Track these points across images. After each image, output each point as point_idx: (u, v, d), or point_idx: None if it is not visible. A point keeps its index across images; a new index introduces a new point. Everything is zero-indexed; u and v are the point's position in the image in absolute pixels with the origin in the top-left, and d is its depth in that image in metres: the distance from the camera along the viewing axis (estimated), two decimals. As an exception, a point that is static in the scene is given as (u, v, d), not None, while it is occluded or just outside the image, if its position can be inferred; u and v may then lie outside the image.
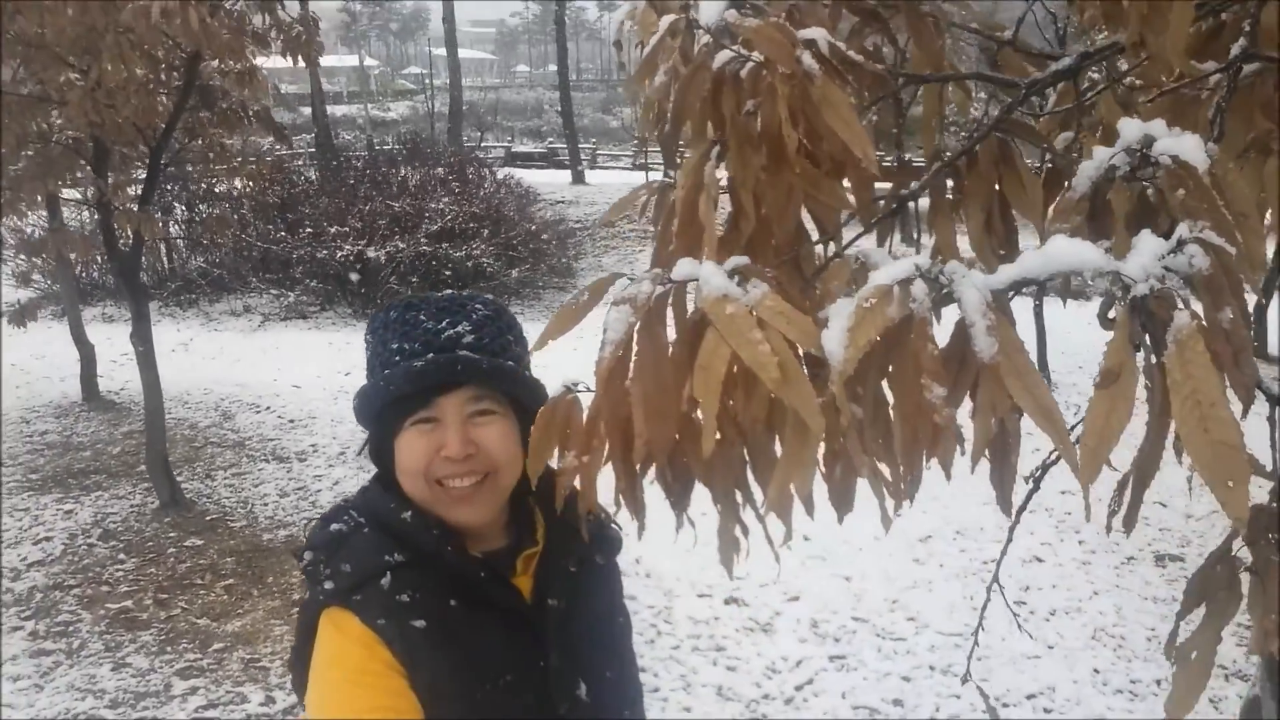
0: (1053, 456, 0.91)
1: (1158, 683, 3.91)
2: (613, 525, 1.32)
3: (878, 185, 1.15)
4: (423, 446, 1.13)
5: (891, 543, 5.27)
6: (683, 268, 0.86)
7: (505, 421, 1.16)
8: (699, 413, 0.90)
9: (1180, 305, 0.61)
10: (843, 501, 1.06)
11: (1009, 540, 1.15)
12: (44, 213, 6.75)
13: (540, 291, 12.76)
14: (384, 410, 1.15)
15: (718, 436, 1.04)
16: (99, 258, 10.81)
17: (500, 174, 14.71)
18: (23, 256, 6.14)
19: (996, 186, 1.23)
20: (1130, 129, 0.82)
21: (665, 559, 5.09)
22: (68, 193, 5.69)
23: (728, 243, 1.08)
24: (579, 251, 14.23)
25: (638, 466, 1.05)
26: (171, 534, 5.69)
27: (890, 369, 0.76)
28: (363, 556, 1.12)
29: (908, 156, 1.29)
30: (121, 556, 5.41)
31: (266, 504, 6.17)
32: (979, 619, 1.54)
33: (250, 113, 4.97)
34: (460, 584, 1.13)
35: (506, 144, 30.69)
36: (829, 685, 3.94)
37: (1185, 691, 0.71)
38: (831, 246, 1.06)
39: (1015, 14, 1.47)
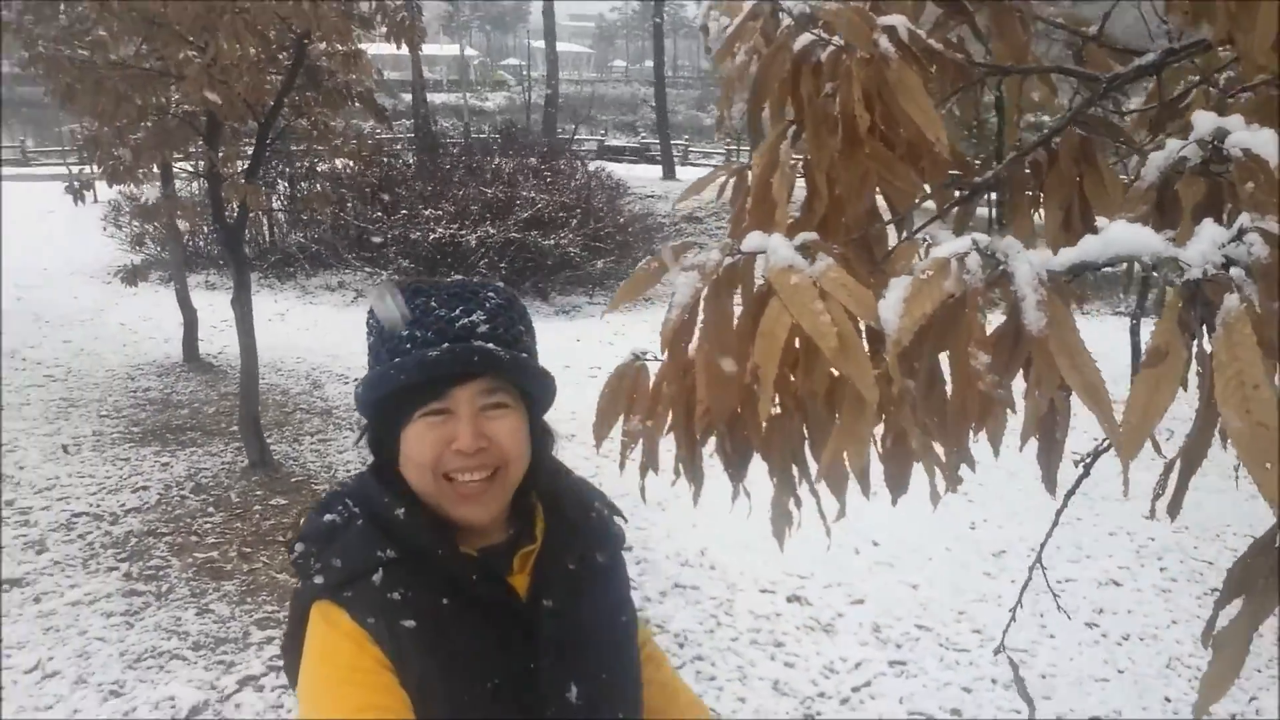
0: (1105, 443, 0.92)
1: (1232, 717, 3.78)
2: (617, 520, 1.29)
3: (955, 173, 1.17)
4: (433, 439, 1.09)
5: (964, 554, 5.20)
6: (752, 240, 0.90)
7: (517, 415, 1.13)
8: (759, 385, 0.94)
9: (1233, 290, 0.62)
10: (898, 483, 1.08)
11: (1055, 524, 1.16)
12: (158, 182, 7.11)
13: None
14: (391, 399, 1.10)
15: (777, 409, 1.08)
16: (205, 227, 11.33)
17: (591, 166, 14.87)
18: (136, 222, 6.47)
19: (1078, 182, 1.24)
20: (1204, 121, 0.83)
21: (730, 552, 5.11)
22: (179, 164, 5.98)
23: (801, 223, 1.11)
24: (665, 246, 14.28)
25: (698, 435, 1.09)
26: (258, 492, 5.95)
27: (946, 343, 0.78)
28: (354, 552, 1.08)
29: (992, 148, 1.30)
30: (211, 510, 5.68)
31: (349, 470, 6.38)
32: (1018, 597, 1.53)
33: (354, 94, 5.16)
34: (452, 582, 1.09)
35: (600, 137, 30.97)
36: (886, 689, 3.91)
37: (1218, 679, 0.72)
38: (904, 230, 1.08)
39: (1106, 10, 1.45)
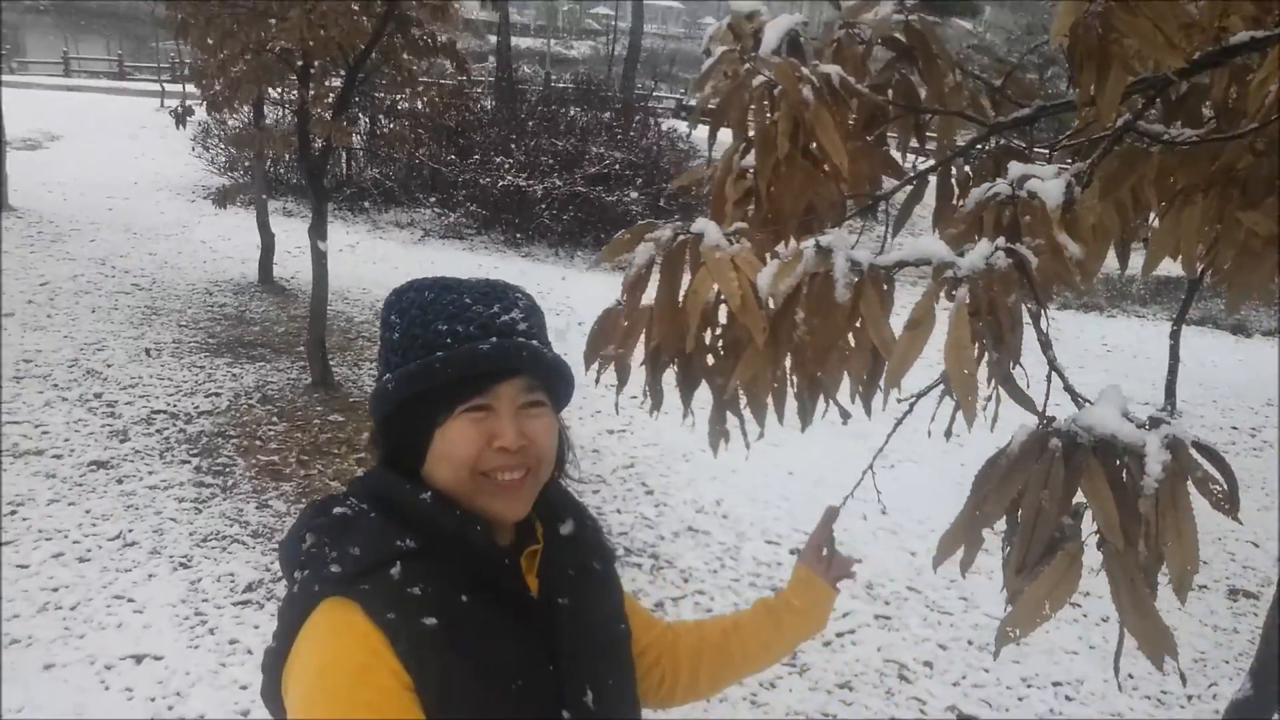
0: (926, 389, 1.26)
1: (1189, 698, 4.07)
2: (605, 534, 1.30)
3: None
4: (474, 435, 1.05)
5: (962, 530, 5.50)
6: (698, 225, 1.26)
7: (550, 415, 1.12)
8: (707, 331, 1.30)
9: (971, 288, 0.96)
10: (805, 414, 1.44)
11: (884, 444, 1.48)
12: (251, 112, 7.59)
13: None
14: (430, 395, 1.06)
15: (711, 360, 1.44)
16: (287, 157, 11.88)
17: (665, 126, 15.09)
18: (226, 147, 6.95)
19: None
20: (1015, 169, 1.15)
21: (744, 505, 5.49)
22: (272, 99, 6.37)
23: (751, 218, 1.47)
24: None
25: (656, 365, 1.46)
26: (318, 408, 6.47)
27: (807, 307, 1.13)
28: (373, 540, 1.02)
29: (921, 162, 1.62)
30: (275, 419, 6.22)
31: (402, 397, 6.88)
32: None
33: (439, 44, 5.53)
34: (474, 577, 1.05)
35: (680, 95, 30.96)
36: (867, 638, 4.28)
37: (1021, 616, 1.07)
38: (828, 229, 1.43)
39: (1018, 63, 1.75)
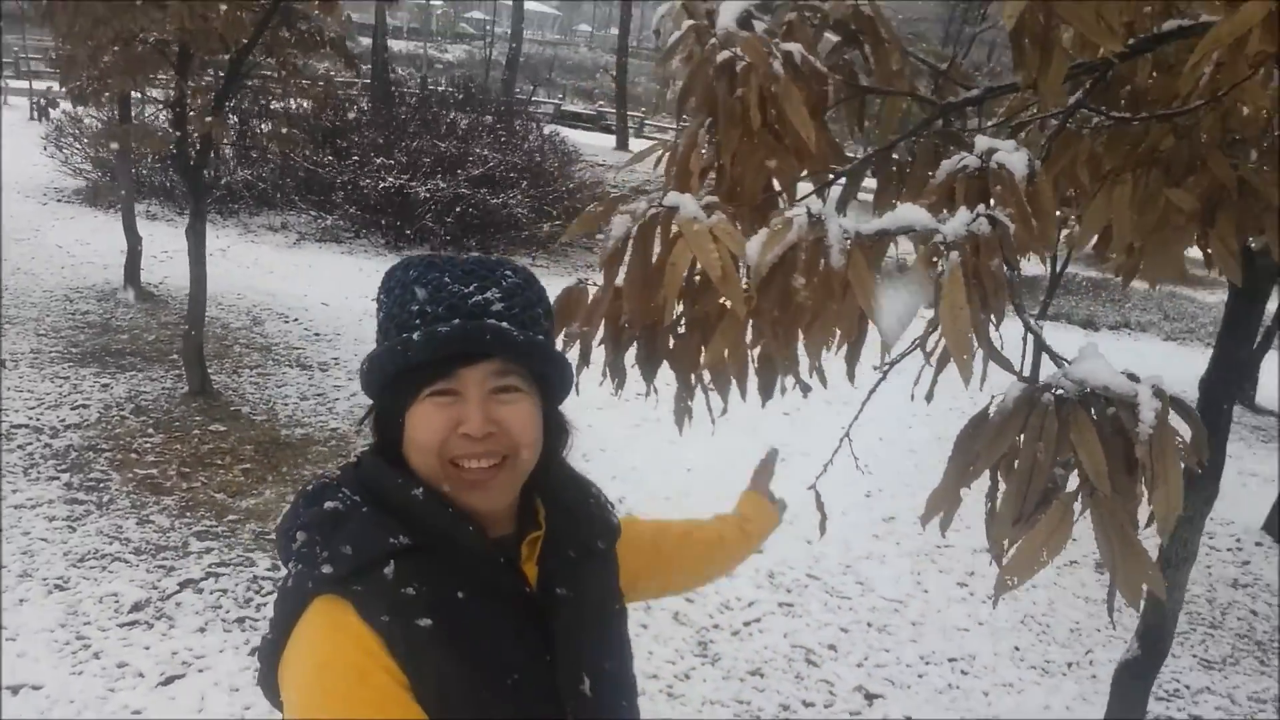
0: (899, 357, 1.30)
1: (1069, 665, 4.32)
2: (612, 510, 1.27)
3: (836, 166, 1.54)
4: (439, 421, 1.02)
5: (858, 518, 5.69)
6: (671, 198, 1.25)
7: (529, 401, 1.07)
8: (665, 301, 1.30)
9: (957, 249, 1.00)
10: (767, 387, 1.46)
11: (862, 407, 1.52)
12: (117, 107, 7.15)
13: (568, 249, 13.15)
14: (398, 378, 1.04)
15: (682, 330, 1.44)
16: (151, 157, 11.25)
17: (546, 130, 15.05)
18: (89, 145, 6.53)
19: (929, 176, 1.62)
20: (982, 142, 1.21)
21: (645, 503, 5.52)
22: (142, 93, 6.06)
23: (712, 192, 1.48)
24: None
25: (622, 342, 1.45)
26: (197, 418, 6.15)
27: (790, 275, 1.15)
28: (365, 538, 0.99)
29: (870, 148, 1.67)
30: (150, 431, 5.87)
31: (287, 404, 6.61)
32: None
33: (326, 39, 5.35)
34: (468, 572, 1.03)
35: (558, 100, 30.97)
36: (773, 626, 4.37)
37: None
38: (789, 202, 1.45)
39: (983, 37, 1.84)
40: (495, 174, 12.12)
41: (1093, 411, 0.94)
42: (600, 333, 1.43)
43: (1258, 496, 6.80)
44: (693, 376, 1.45)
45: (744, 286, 1.20)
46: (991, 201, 1.09)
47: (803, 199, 1.43)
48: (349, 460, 1.12)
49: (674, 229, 1.22)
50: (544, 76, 28.84)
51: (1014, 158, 1.16)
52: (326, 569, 0.97)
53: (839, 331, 1.16)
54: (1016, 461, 1.01)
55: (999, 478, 1.08)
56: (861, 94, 1.54)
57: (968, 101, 1.54)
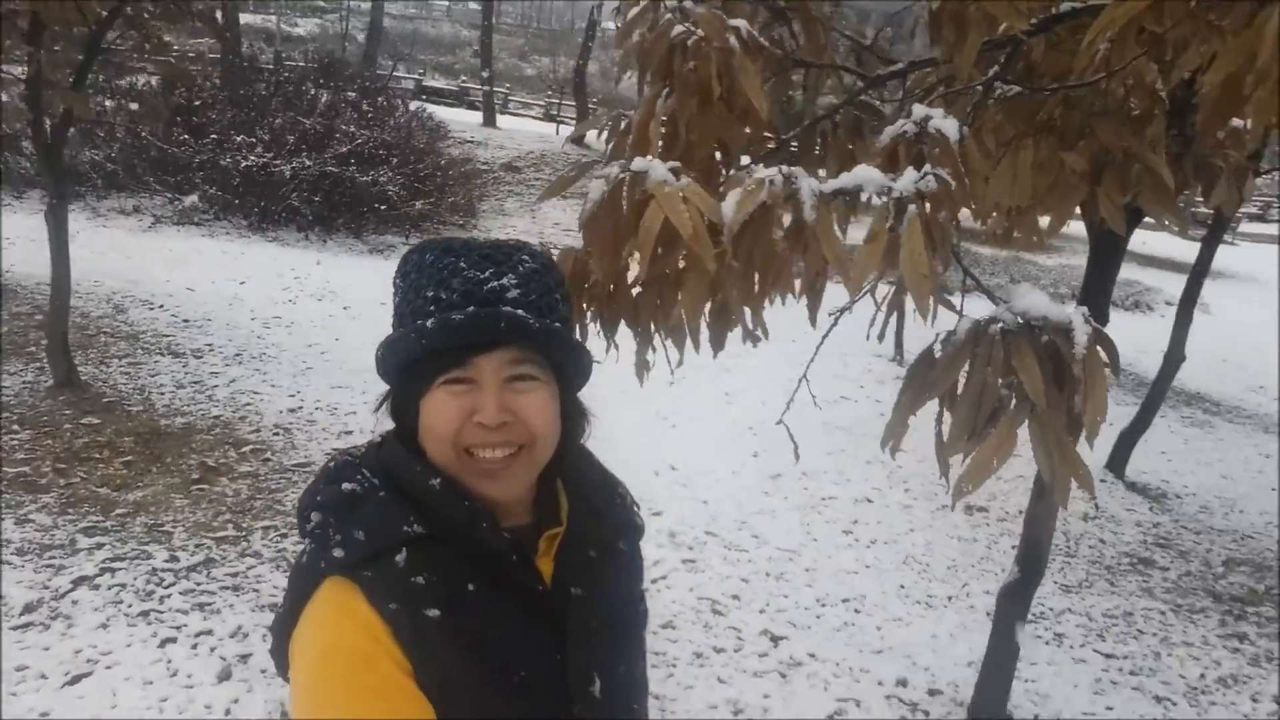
0: (849, 304, 1.45)
1: (949, 599, 4.70)
2: (637, 510, 1.25)
3: (768, 135, 1.67)
4: (454, 409, 1.01)
5: (747, 477, 5.96)
6: (639, 163, 1.36)
7: (546, 390, 1.05)
8: (634, 265, 1.40)
9: (914, 207, 1.15)
10: (718, 340, 1.58)
11: (816, 350, 1.67)
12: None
13: (440, 228, 12.95)
14: (413, 365, 1.03)
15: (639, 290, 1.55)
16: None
17: (413, 105, 14.75)
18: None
19: (850, 148, 1.78)
20: (919, 110, 1.36)
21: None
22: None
23: (664, 157, 1.58)
24: (483, 193, 14.44)
25: (585, 303, 1.55)
26: (67, 411, 5.83)
27: (760, 233, 1.27)
28: (379, 524, 0.99)
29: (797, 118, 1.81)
30: (16, 427, 5.54)
31: (163, 393, 6.35)
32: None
33: (194, 10, 5.12)
34: (481, 565, 1.01)
35: (418, 76, 30.21)
36: (679, 581, 4.56)
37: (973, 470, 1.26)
38: (732, 168, 1.57)
39: (881, 28, 2.00)
40: (363, 151, 11.82)
41: (1034, 338, 1.11)
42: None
43: (1100, 439, 7.47)
44: (652, 331, 1.56)
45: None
46: (929, 165, 1.24)
47: (744, 166, 1.56)
48: (373, 439, 1.11)
49: (642, 191, 1.33)
50: (403, 52, 28.05)
51: (947, 124, 1.32)
52: (338, 552, 0.97)
53: (798, 283, 1.29)
54: (961, 388, 1.17)
55: (944, 408, 1.24)
56: (795, 67, 1.69)
57: (893, 74, 1.70)
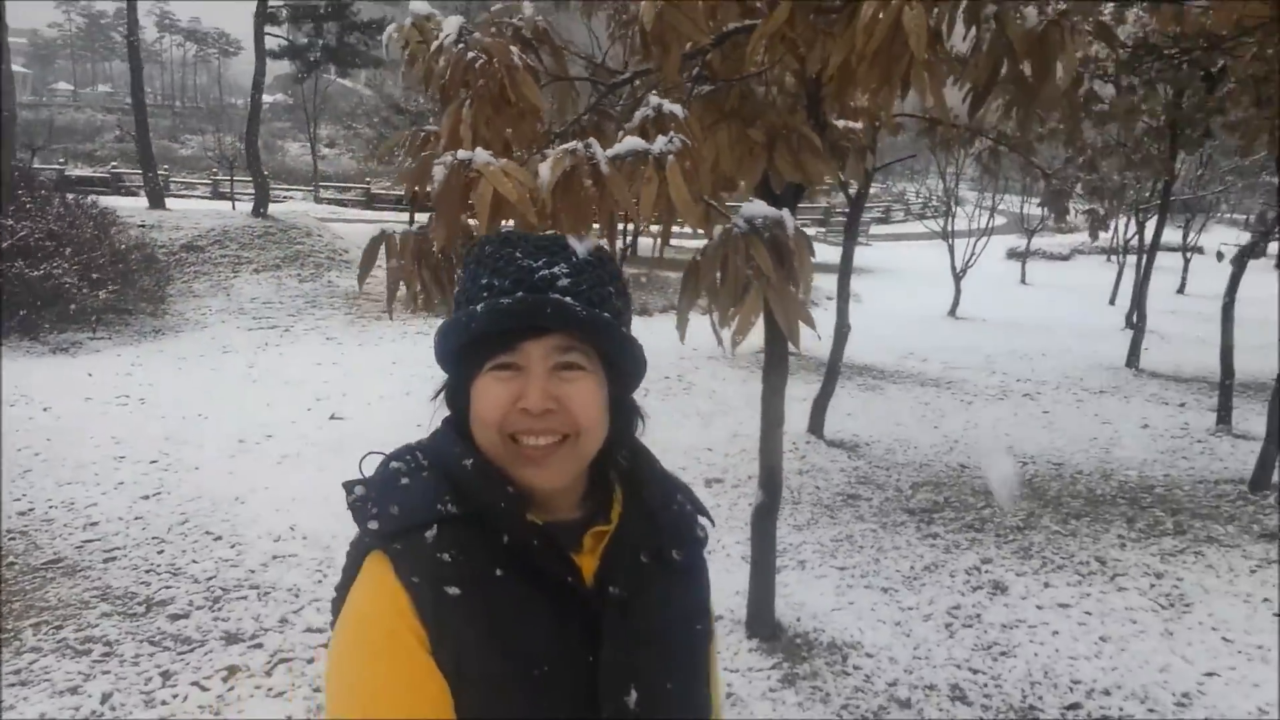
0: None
1: (709, 553, 5.38)
2: (701, 522, 1.20)
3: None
4: (500, 394, 1.02)
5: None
6: (463, 154, 1.80)
7: (593, 380, 1.05)
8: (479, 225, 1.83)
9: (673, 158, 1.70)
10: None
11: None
12: None
13: (128, 317, 12.12)
14: (463, 350, 1.04)
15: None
16: None
17: (70, 196, 13.70)
18: None
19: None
20: (654, 100, 1.92)
21: (323, 526, 5.66)
22: None
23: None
24: (169, 276, 13.66)
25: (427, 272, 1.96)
26: None
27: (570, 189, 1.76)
28: (414, 501, 1.00)
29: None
30: None
31: None
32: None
33: None
34: (510, 551, 1.00)
35: (59, 166, 27.56)
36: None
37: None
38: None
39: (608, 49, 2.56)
40: (28, 244, 10.86)
41: (760, 233, 1.69)
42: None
43: (799, 409, 8.64)
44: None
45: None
46: (672, 133, 1.79)
47: (531, 156, 2.05)
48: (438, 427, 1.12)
49: (472, 172, 1.77)
50: (37, 143, 25.41)
51: (675, 108, 1.89)
52: (373, 524, 0.99)
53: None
54: (719, 277, 1.73)
55: (706, 294, 1.79)
56: (549, 81, 2.20)
57: (623, 81, 2.26)
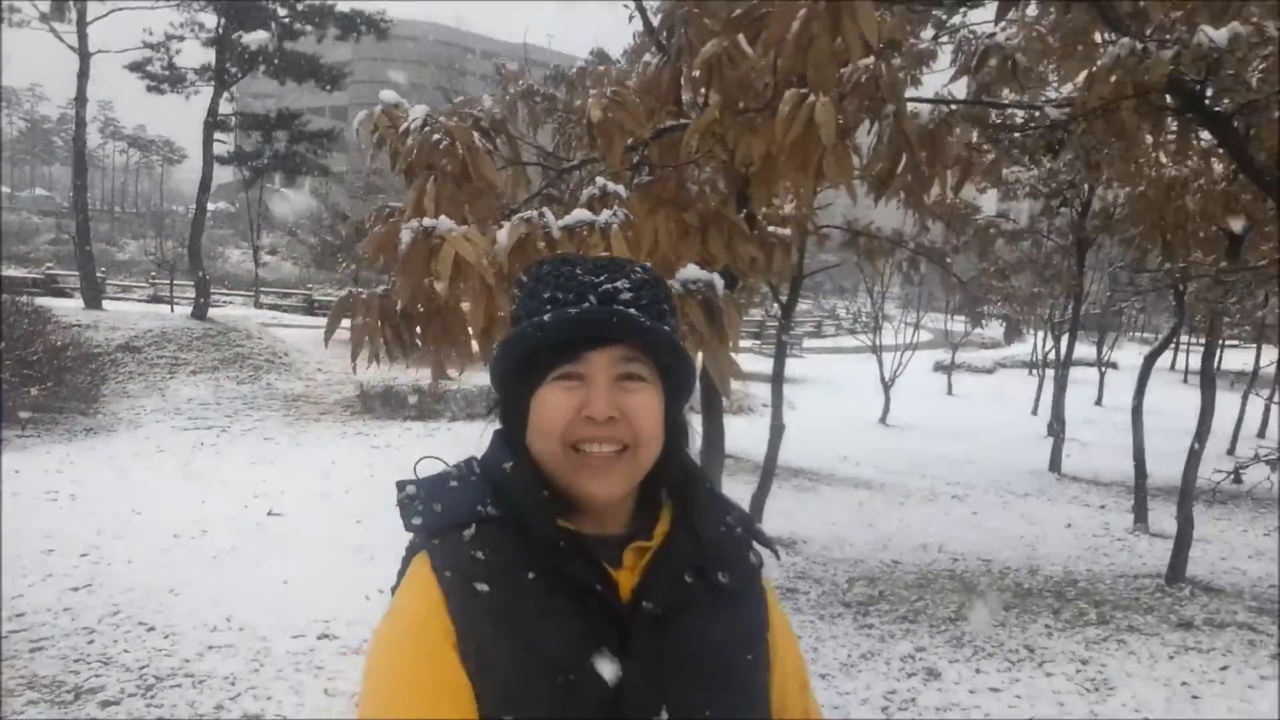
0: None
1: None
2: (757, 551, 1.17)
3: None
4: (564, 403, 1.03)
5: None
6: (429, 222, 2.00)
7: (654, 392, 1.06)
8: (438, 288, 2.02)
9: (616, 226, 1.92)
10: (488, 351, 2.22)
11: None
12: None
13: (59, 416, 11.88)
14: (526, 361, 1.05)
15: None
16: None
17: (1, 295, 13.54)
18: None
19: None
20: (600, 180, 2.16)
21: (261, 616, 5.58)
22: None
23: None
24: (104, 376, 13.47)
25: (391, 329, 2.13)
26: None
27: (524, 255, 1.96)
28: (458, 499, 1.04)
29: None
30: None
31: None
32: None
33: None
34: (544, 556, 1.01)
35: (-12, 273, 27.14)
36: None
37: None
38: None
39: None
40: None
41: (695, 295, 1.90)
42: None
43: (738, 507, 8.78)
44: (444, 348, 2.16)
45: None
46: (616, 208, 2.02)
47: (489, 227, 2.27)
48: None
49: (437, 239, 1.97)
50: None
51: (619, 188, 2.12)
52: (417, 520, 1.03)
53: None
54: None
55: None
56: (505, 165, 2.42)
57: (574, 166, 2.51)
